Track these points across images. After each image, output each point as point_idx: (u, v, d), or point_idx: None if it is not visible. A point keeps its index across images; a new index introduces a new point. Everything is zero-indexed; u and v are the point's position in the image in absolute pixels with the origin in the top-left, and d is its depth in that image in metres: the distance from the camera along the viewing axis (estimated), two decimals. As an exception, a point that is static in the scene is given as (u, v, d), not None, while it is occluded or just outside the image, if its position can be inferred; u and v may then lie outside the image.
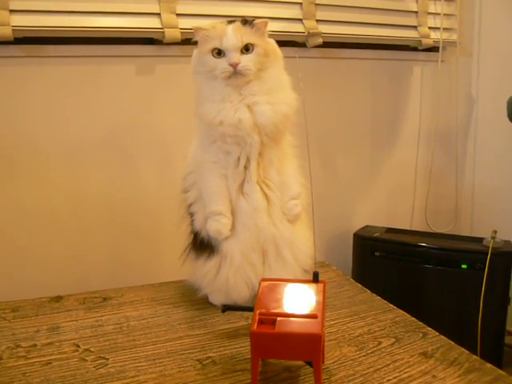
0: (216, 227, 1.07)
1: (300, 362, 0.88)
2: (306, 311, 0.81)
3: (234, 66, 1.00)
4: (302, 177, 1.12)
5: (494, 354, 1.76)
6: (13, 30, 1.38)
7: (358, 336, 1.01)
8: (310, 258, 1.10)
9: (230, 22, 1.04)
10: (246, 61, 1.01)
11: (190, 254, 1.16)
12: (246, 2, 1.70)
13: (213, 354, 0.94)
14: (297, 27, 1.77)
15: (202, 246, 1.12)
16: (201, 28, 1.04)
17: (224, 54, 1.02)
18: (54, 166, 1.53)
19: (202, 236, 1.11)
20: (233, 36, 1.01)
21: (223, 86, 1.04)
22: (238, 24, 1.03)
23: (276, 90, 1.05)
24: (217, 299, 1.14)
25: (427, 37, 2.01)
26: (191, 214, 1.14)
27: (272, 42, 1.08)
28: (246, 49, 1.02)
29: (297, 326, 0.78)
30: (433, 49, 2.06)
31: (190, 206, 1.14)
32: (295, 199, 1.09)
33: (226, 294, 1.10)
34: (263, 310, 0.81)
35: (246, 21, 1.04)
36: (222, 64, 1.01)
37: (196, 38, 1.06)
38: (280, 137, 1.07)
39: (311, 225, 1.12)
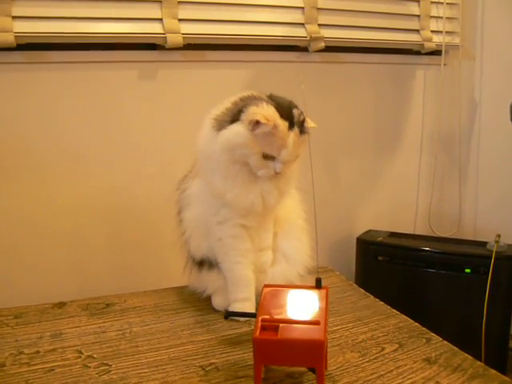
0: (240, 309, 1.06)
1: (303, 369, 0.88)
2: (308, 317, 0.81)
3: (277, 173, 0.99)
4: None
5: (498, 358, 1.75)
6: (15, 36, 1.38)
7: (361, 342, 1.01)
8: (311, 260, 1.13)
9: (290, 124, 0.97)
10: (286, 168, 1.00)
11: (192, 269, 1.17)
12: (248, 7, 1.70)
13: (216, 361, 0.94)
14: (299, 32, 1.77)
15: (202, 263, 1.15)
16: (266, 123, 0.93)
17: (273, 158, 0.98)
18: (55, 173, 1.53)
19: (202, 259, 1.14)
20: (291, 150, 0.97)
21: (248, 174, 1.01)
22: (296, 133, 0.98)
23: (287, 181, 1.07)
24: (220, 304, 1.14)
25: (430, 40, 2.01)
26: (185, 238, 1.15)
27: (306, 139, 1.02)
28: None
29: (299, 332, 0.78)
30: (435, 52, 2.06)
31: (183, 232, 1.15)
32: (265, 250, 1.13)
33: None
34: (266, 317, 0.81)
35: (301, 123, 0.99)
36: (268, 168, 0.98)
37: (252, 123, 0.95)
38: None
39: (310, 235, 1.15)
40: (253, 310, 1.05)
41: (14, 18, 1.39)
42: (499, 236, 1.76)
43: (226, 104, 1.04)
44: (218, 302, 1.15)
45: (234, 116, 0.98)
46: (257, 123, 0.94)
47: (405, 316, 1.13)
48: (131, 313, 1.15)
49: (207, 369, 0.91)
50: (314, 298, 0.86)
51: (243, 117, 0.96)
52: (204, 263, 1.14)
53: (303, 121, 1.00)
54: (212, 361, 0.94)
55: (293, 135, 0.97)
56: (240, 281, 1.09)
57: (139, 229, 1.63)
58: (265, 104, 0.97)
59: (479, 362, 0.93)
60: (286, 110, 0.98)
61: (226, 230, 1.07)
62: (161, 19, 1.57)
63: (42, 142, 1.51)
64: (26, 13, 1.41)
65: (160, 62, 1.64)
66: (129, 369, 0.91)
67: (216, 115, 1.03)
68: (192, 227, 1.13)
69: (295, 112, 0.99)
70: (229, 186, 1.01)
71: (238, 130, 0.97)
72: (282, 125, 0.96)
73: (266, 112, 0.95)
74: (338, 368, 0.91)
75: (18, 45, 1.40)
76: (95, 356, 0.95)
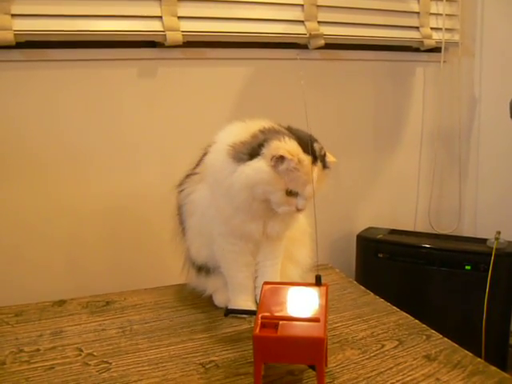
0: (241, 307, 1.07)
1: (303, 366, 0.88)
2: (308, 314, 0.81)
3: (299, 210, 0.96)
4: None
5: (498, 354, 1.76)
6: (15, 34, 1.38)
7: (361, 339, 1.01)
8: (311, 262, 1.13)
9: (314, 159, 0.94)
10: (308, 203, 0.97)
11: (191, 270, 1.18)
12: (248, 4, 1.70)
13: (216, 358, 0.94)
14: (298, 29, 1.77)
15: (201, 268, 1.15)
16: (292, 159, 0.90)
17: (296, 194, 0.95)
18: (55, 171, 1.53)
19: (201, 264, 1.14)
20: (315, 185, 0.94)
21: (264, 210, 0.99)
22: (320, 168, 0.96)
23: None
24: (222, 301, 1.14)
25: (429, 37, 2.01)
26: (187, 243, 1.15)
27: (327, 174, 1.00)
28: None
29: (299, 329, 0.78)
30: (435, 49, 2.06)
31: (184, 234, 1.15)
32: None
33: None
34: (266, 314, 0.81)
35: (323, 157, 0.97)
36: (290, 205, 0.95)
37: (275, 159, 0.91)
38: None
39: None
40: (253, 308, 1.05)
41: (13, 15, 1.39)
42: (499, 233, 1.76)
43: (242, 133, 0.98)
44: (219, 300, 1.15)
45: (254, 150, 0.93)
46: (281, 159, 0.90)
47: (405, 313, 1.13)
48: (131, 310, 1.15)
49: (207, 366, 0.91)
50: (313, 295, 0.86)
51: (265, 152, 0.92)
52: (203, 268, 1.14)
53: (324, 155, 0.98)
54: (212, 358, 0.94)
55: (316, 170, 0.94)
56: (241, 287, 1.10)
57: (139, 227, 1.63)
58: (287, 138, 0.93)
59: (479, 359, 0.93)
60: (307, 144, 0.94)
61: (227, 244, 1.06)
62: (160, 17, 1.57)
63: (40, 140, 1.51)
64: (25, 11, 1.41)
65: (159, 60, 1.63)
66: (129, 366, 0.91)
67: (233, 143, 0.97)
68: (195, 234, 1.12)
69: (316, 146, 0.96)
70: (238, 215, 1.00)
71: (259, 166, 0.92)
72: (306, 160, 0.92)
73: (289, 147, 0.92)
74: (338, 365, 0.91)
75: (17, 43, 1.40)
76: (95, 354, 0.95)
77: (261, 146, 0.93)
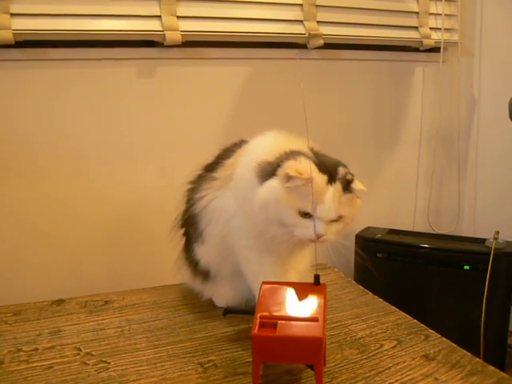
0: None
1: (301, 365, 0.88)
2: (307, 314, 0.81)
3: (319, 236, 0.90)
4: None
5: (496, 354, 1.76)
6: (14, 33, 1.38)
7: (359, 338, 1.01)
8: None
9: (330, 178, 0.91)
10: (331, 232, 0.92)
11: (188, 271, 1.16)
12: (247, 4, 1.70)
13: (214, 358, 0.94)
14: (297, 29, 1.77)
15: (202, 272, 1.12)
16: (298, 177, 0.88)
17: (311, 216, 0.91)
18: (54, 170, 1.53)
19: (203, 267, 1.11)
20: (331, 207, 0.90)
21: (279, 246, 0.97)
22: (338, 189, 0.91)
23: None
24: (222, 302, 1.13)
25: (428, 37, 2.01)
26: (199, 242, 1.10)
27: (359, 205, 0.97)
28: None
29: (298, 329, 0.78)
30: (434, 49, 2.06)
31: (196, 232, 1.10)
32: None
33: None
34: (264, 314, 0.81)
35: (347, 181, 0.93)
36: (306, 228, 0.90)
37: (285, 177, 0.90)
38: None
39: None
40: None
41: (12, 15, 1.39)
42: (498, 233, 1.76)
43: (272, 151, 0.96)
44: (219, 301, 1.15)
45: (274, 170, 0.92)
46: (289, 177, 0.89)
47: (403, 313, 1.13)
48: (130, 310, 1.15)
49: (206, 366, 0.91)
50: (312, 294, 0.86)
51: (279, 171, 0.91)
52: (210, 275, 1.11)
53: (349, 180, 0.94)
54: (211, 358, 0.94)
55: (332, 190, 0.90)
56: None
57: (138, 226, 1.63)
58: (303, 158, 0.92)
59: (478, 359, 0.93)
60: (328, 166, 0.93)
61: (253, 256, 1.02)
62: (159, 16, 1.57)
63: (40, 140, 1.51)
64: (24, 10, 1.41)
65: (158, 60, 1.63)
66: (127, 366, 0.91)
67: (261, 161, 0.95)
68: (215, 243, 1.06)
69: (341, 170, 0.94)
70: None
71: (272, 185, 0.91)
72: (319, 178, 0.90)
73: (300, 166, 0.90)
74: (336, 365, 0.91)
75: (16, 42, 1.40)
76: (94, 353, 0.95)
77: (279, 166, 0.92)
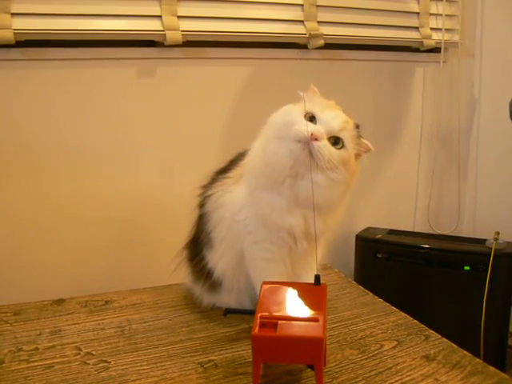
0: None
1: (301, 366, 0.88)
2: (307, 314, 0.81)
3: (312, 138, 0.87)
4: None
5: (497, 355, 1.76)
6: (14, 33, 1.38)
7: (359, 339, 1.01)
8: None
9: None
10: (327, 149, 0.89)
11: (192, 276, 1.14)
12: (248, 4, 1.70)
13: (214, 358, 0.94)
14: (298, 29, 1.77)
15: (212, 281, 1.09)
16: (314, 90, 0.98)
17: (315, 121, 0.91)
18: (54, 170, 1.53)
19: (215, 276, 1.08)
20: (337, 116, 0.93)
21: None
22: (349, 121, 0.94)
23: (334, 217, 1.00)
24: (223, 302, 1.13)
25: (429, 38, 2.01)
26: (209, 247, 1.08)
27: (357, 171, 0.97)
28: (335, 142, 0.91)
29: (298, 329, 0.78)
30: (434, 50, 2.06)
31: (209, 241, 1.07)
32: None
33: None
34: (265, 314, 0.81)
35: (357, 125, 0.96)
36: (304, 125, 0.88)
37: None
38: None
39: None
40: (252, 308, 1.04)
41: (12, 14, 1.39)
42: (498, 233, 1.76)
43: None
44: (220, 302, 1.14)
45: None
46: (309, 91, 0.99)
47: (404, 313, 1.13)
48: (130, 310, 1.15)
49: (206, 366, 0.91)
50: (312, 294, 0.86)
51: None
52: (216, 283, 1.09)
53: (358, 133, 0.96)
54: (211, 358, 0.94)
55: (343, 115, 0.95)
56: None
57: (138, 226, 1.63)
58: None
59: (478, 359, 0.93)
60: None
61: (259, 251, 1.00)
62: (160, 16, 1.57)
63: (39, 140, 1.51)
64: (24, 10, 1.41)
65: (159, 59, 1.63)
66: (128, 366, 0.91)
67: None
68: (225, 248, 1.05)
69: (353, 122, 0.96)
70: (273, 207, 0.95)
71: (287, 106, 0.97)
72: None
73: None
74: (336, 365, 0.91)
75: (16, 42, 1.40)
76: (94, 353, 0.95)
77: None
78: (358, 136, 0.96)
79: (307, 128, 0.88)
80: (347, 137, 0.92)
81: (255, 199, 0.97)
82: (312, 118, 0.92)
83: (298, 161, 0.90)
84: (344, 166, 0.91)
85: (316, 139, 0.88)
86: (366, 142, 0.97)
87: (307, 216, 0.94)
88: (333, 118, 0.92)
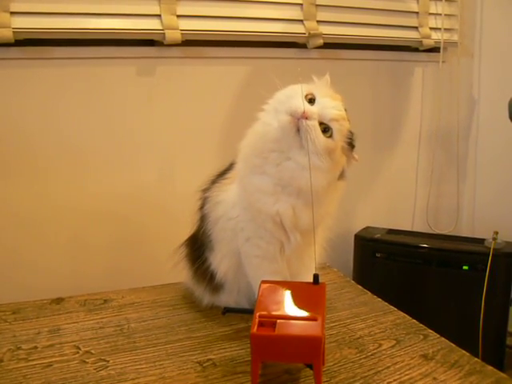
0: None
1: (300, 365, 0.88)
2: (306, 313, 0.81)
3: (303, 116, 0.88)
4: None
5: (495, 355, 1.76)
6: (13, 32, 1.38)
7: (358, 338, 1.01)
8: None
9: None
10: (315, 131, 0.89)
11: (194, 277, 1.14)
12: (247, 3, 1.70)
13: (213, 356, 0.94)
14: (297, 28, 1.77)
15: (215, 284, 1.09)
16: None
17: (313, 104, 0.92)
18: (54, 169, 1.53)
19: (218, 278, 1.07)
20: (335, 105, 0.95)
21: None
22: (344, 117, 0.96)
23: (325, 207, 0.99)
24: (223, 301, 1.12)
25: (428, 37, 2.01)
26: (210, 248, 1.08)
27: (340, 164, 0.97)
28: (325, 130, 0.91)
29: (297, 328, 0.78)
30: (434, 49, 2.06)
31: (209, 241, 1.07)
32: None
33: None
34: (263, 313, 0.81)
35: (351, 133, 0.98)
36: (300, 103, 0.89)
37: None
38: None
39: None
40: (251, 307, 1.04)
41: (12, 13, 1.39)
42: (497, 233, 1.77)
43: None
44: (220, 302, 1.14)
45: None
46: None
47: (402, 313, 1.13)
48: (129, 309, 1.15)
49: (205, 364, 0.91)
50: (311, 294, 0.86)
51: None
52: (219, 285, 1.08)
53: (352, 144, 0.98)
54: (209, 357, 0.94)
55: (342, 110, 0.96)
56: None
57: (137, 224, 1.63)
58: None
59: (476, 359, 0.93)
60: None
61: (252, 248, 1.00)
62: (159, 15, 1.56)
63: (39, 138, 1.51)
64: (24, 8, 1.41)
65: (158, 59, 1.63)
66: (126, 364, 0.91)
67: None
68: (225, 249, 1.05)
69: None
70: (260, 191, 0.95)
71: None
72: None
73: None
74: (335, 364, 0.91)
75: (16, 40, 1.40)
76: (93, 352, 0.95)
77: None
78: (350, 143, 0.97)
79: (303, 105, 0.89)
80: (337, 129, 0.93)
81: (244, 186, 0.98)
82: (311, 101, 0.93)
83: (284, 134, 0.90)
84: (328, 154, 0.91)
85: (307, 118, 0.88)
86: (355, 155, 0.99)
87: (295, 206, 0.94)
88: (330, 106, 0.93)
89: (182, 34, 1.57)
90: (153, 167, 1.66)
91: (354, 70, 1.95)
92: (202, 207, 1.09)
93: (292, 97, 0.92)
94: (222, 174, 1.09)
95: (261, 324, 0.79)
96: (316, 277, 0.88)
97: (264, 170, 0.94)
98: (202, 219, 1.08)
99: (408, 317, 1.11)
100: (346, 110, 0.98)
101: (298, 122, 0.89)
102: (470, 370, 0.89)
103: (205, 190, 1.09)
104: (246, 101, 1.73)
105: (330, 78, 1.04)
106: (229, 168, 1.08)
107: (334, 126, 0.92)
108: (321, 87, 0.99)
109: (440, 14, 2.03)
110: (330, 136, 0.92)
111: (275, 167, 0.93)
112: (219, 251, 1.05)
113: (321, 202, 0.95)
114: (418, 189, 2.17)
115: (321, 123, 0.91)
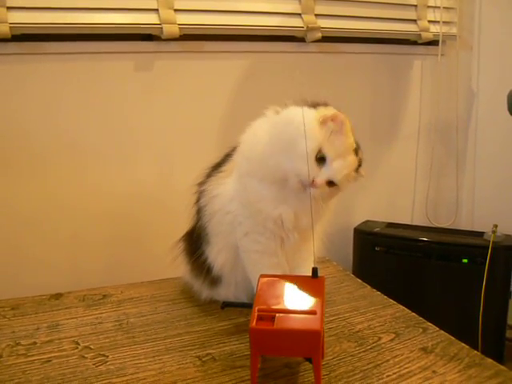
0: None
1: (299, 359, 0.88)
2: (305, 307, 0.81)
3: (313, 185, 0.89)
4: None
5: (495, 348, 1.76)
6: (10, 27, 1.37)
7: (357, 331, 1.01)
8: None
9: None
10: (321, 192, 0.91)
11: (192, 271, 1.14)
12: (245, -4, 1.69)
13: (212, 351, 0.94)
14: (295, 22, 1.76)
15: (212, 277, 1.09)
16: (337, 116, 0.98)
17: (323, 163, 0.89)
18: (52, 165, 1.53)
19: (215, 271, 1.07)
20: (346, 164, 0.91)
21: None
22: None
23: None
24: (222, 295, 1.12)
25: (427, 30, 2.00)
26: (206, 241, 1.07)
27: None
28: (331, 183, 0.91)
29: (296, 322, 0.78)
30: (432, 42, 2.05)
31: (206, 234, 1.07)
32: None
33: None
34: (262, 307, 0.81)
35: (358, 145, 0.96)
36: (310, 166, 0.87)
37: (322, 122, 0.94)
38: None
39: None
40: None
41: (8, 8, 1.38)
42: (496, 226, 1.77)
43: None
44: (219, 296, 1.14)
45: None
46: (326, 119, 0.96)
47: (401, 306, 1.13)
48: (128, 304, 1.15)
49: (204, 359, 0.91)
50: (310, 287, 0.86)
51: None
52: (217, 278, 1.08)
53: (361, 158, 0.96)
54: (209, 351, 0.94)
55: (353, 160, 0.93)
56: None
57: (136, 220, 1.63)
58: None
59: (475, 351, 0.93)
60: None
61: (251, 243, 1.00)
62: (157, 9, 1.56)
63: (37, 134, 1.50)
64: (20, 3, 1.40)
65: (156, 53, 1.63)
66: (125, 359, 0.91)
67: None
68: (222, 243, 1.05)
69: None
70: (266, 193, 0.95)
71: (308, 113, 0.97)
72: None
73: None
74: (334, 358, 0.91)
75: (12, 36, 1.39)
76: (92, 347, 0.95)
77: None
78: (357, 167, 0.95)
79: (311, 174, 0.88)
80: (344, 182, 0.92)
81: (244, 184, 0.97)
82: (321, 159, 0.89)
83: (292, 187, 0.91)
84: (333, 197, 0.95)
85: (315, 186, 0.89)
86: (362, 171, 0.96)
87: (297, 210, 0.95)
88: (341, 169, 0.90)
89: (179, 28, 1.57)
90: (151, 162, 1.65)
91: (352, 63, 1.95)
92: (198, 201, 1.08)
93: (302, 150, 0.87)
94: (216, 167, 1.08)
95: (260, 318, 0.78)
96: (315, 270, 0.88)
97: (267, 177, 0.94)
98: (198, 212, 1.08)
99: (407, 310, 1.11)
100: (357, 144, 0.96)
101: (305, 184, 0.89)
102: (470, 362, 0.89)
103: (200, 184, 1.08)
104: (245, 95, 1.73)
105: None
106: (224, 160, 1.07)
107: (342, 182, 0.92)
108: (333, 139, 0.92)
109: (439, 7, 2.03)
110: (336, 185, 0.92)
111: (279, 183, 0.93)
112: (216, 244, 1.05)
113: (323, 207, 0.95)
114: (417, 182, 2.17)
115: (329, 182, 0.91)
